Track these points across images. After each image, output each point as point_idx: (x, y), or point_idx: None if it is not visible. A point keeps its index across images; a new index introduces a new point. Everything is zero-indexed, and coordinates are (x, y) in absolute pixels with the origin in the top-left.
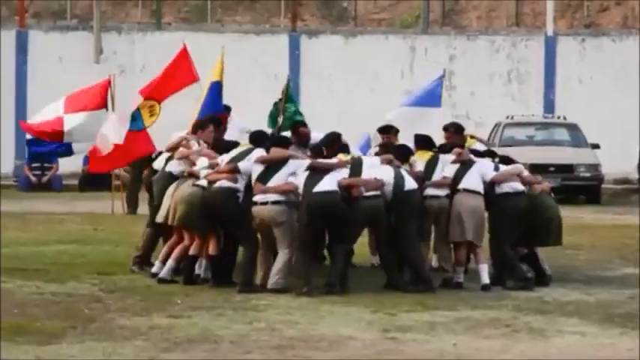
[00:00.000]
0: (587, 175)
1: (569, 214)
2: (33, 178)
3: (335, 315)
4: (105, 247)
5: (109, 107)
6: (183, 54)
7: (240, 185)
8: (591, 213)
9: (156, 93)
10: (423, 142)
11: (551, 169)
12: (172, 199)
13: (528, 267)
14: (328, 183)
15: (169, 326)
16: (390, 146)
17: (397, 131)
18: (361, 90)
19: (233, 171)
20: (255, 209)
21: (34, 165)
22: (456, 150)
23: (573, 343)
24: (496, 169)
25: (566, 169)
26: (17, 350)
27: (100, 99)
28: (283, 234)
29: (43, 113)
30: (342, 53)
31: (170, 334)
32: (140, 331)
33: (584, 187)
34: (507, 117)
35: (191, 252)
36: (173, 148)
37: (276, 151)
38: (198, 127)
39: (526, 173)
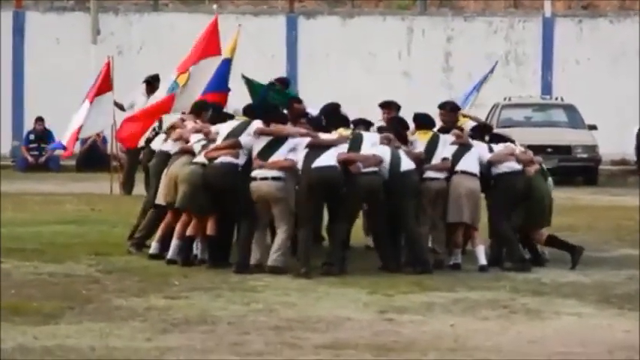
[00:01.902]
0: (585, 156)
1: (566, 195)
2: (30, 159)
3: (332, 296)
4: (102, 227)
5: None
6: (214, 26)
7: (241, 160)
8: (588, 194)
9: (182, 66)
10: (424, 121)
11: (549, 150)
12: (168, 177)
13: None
14: (328, 158)
15: (167, 307)
16: (391, 127)
17: (398, 107)
18: (358, 71)
19: (234, 146)
20: (254, 184)
21: (32, 146)
22: (455, 132)
23: (570, 324)
24: (490, 150)
25: (564, 151)
26: (14, 330)
27: (106, 84)
28: (282, 211)
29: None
30: (339, 34)
31: (167, 315)
32: (137, 312)
33: (581, 168)
34: (505, 98)
35: (188, 232)
36: (171, 128)
37: (277, 127)
38: (199, 109)
39: (517, 151)
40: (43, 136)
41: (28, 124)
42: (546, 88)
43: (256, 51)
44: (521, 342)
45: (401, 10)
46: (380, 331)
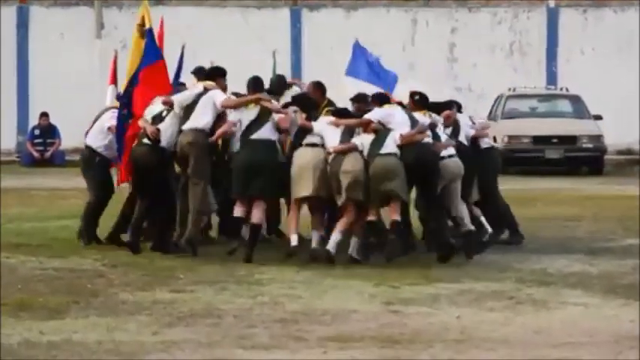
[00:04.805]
0: (590, 146)
1: (571, 186)
2: (35, 154)
3: (338, 288)
4: (108, 222)
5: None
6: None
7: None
8: (594, 184)
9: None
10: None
11: (554, 140)
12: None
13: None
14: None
15: (172, 301)
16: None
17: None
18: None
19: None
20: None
21: (37, 141)
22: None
23: (576, 314)
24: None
25: (569, 141)
26: (20, 326)
27: (111, 77)
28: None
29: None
30: (343, 26)
31: (173, 308)
32: (143, 306)
33: (586, 158)
34: (509, 89)
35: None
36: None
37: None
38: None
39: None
40: (47, 131)
41: (33, 120)
42: (551, 78)
43: (260, 44)
44: (527, 332)
45: (405, 2)
46: (386, 323)
